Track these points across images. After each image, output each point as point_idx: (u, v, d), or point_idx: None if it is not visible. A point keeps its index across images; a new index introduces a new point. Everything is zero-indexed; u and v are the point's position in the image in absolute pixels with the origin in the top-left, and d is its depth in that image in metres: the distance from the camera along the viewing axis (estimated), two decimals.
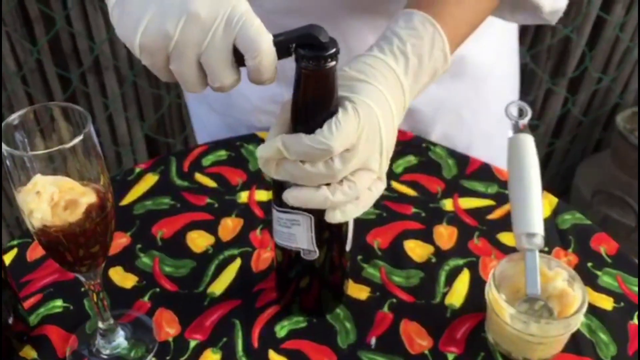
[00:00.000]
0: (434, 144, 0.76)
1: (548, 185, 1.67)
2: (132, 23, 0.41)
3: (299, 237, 0.50)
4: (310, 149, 0.42)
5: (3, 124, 0.43)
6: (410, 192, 0.70)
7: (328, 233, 0.51)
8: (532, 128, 1.51)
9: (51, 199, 0.44)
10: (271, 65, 0.42)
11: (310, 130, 0.43)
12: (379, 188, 0.47)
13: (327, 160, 0.42)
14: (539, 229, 0.55)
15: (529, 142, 0.59)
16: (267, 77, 0.43)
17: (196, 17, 0.40)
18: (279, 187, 0.48)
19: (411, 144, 0.76)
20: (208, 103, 0.82)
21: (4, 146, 0.42)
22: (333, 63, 0.41)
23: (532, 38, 1.37)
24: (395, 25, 0.49)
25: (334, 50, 0.41)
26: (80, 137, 0.42)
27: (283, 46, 0.42)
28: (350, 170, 0.44)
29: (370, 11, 0.66)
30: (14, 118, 0.44)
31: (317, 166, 0.43)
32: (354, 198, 0.45)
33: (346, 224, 0.52)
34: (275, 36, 0.42)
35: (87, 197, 0.45)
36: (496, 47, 0.77)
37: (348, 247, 0.54)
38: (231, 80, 0.43)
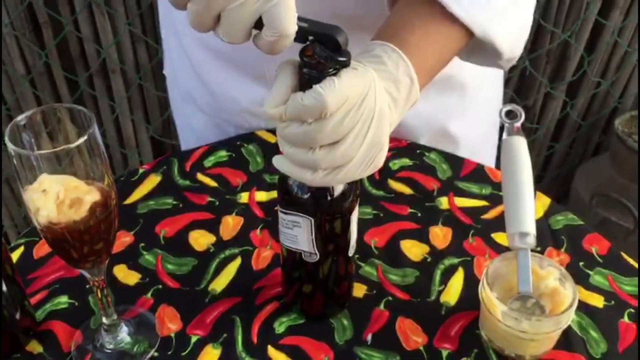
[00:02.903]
0: (429, 150, 0.77)
1: (547, 188, 1.68)
2: None
3: (300, 239, 0.51)
4: (303, 107, 0.41)
5: (10, 124, 0.45)
6: (407, 190, 0.71)
7: (329, 237, 0.52)
8: (532, 132, 1.52)
9: (57, 197, 0.45)
10: (285, 48, 0.42)
11: None
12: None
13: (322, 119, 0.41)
14: (531, 228, 0.56)
15: (522, 144, 0.61)
16: (276, 53, 0.42)
17: None
18: (283, 189, 0.50)
19: (406, 149, 0.77)
20: (195, 104, 0.83)
21: (11, 145, 0.43)
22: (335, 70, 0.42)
23: (531, 43, 1.39)
24: (357, 56, 0.48)
25: (346, 58, 0.42)
26: (85, 138, 0.44)
27: (302, 34, 0.42)
28: (343, 133, 0.42)
29: (360, 27, 0.67)
30: (21, 119, 0.45)
31: (310, 125, 0.42)
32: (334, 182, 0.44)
33: (349, 228, 0.52)
34: (299, 19, 0.41)
35: (91, 195, 0.46)
36: (482, 68, 0.78)
37: (351, 252, 0.55)
38: (240, 42, 0.42)
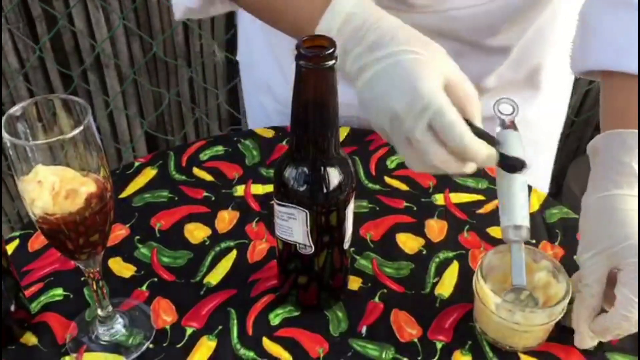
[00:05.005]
0: None
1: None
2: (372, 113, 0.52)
3: (295, 230, 0.51)
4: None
5: (6, 115, 0.45)
6: (403, 186, 0.72)
7: (324, 229, 0.52)
8: None
9: (52, 188, 0.45)
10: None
11: (310, 128, 0.45)
12: None
13: None
14: (524, 221, 0.56)
15: (516, 138, 0.61)
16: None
17: (396, 115, 0.49)
18: (279, 181, 0.50)
19: None
20: (271, 93, 0.86)
21: (6, 135, 0.43)
22: (332, 62, 0.43)
23: None
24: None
25: (332, 49, 0.42)
26: (81, 128, 0.44)
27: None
28: None
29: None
30: (16, 109, 0.45)
31: None
32: None
33: (344, 221, 0.53)
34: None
35: (87, 186, 0.46)
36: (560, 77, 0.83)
37: (346, 245, 0.55)
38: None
